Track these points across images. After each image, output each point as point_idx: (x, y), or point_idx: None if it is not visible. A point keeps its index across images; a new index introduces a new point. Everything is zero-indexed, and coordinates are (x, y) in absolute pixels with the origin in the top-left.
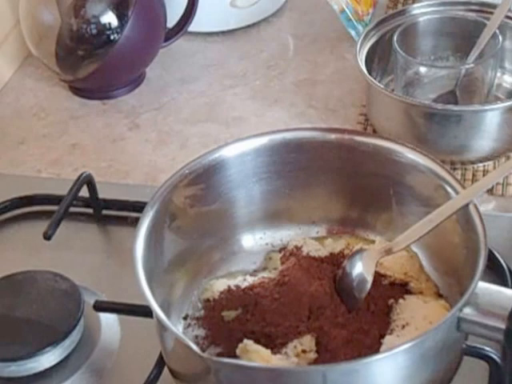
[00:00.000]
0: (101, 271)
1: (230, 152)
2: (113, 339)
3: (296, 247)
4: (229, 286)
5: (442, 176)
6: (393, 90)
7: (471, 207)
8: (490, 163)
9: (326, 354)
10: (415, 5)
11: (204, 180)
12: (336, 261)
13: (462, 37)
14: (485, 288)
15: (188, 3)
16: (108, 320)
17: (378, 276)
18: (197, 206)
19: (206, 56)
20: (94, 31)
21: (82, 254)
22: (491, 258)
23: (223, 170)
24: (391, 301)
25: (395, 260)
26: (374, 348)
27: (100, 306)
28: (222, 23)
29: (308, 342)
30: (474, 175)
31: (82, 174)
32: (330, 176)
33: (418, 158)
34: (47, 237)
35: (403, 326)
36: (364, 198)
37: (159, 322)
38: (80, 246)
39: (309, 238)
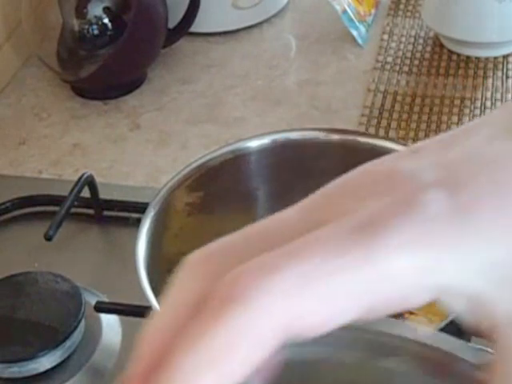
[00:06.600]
0: (102, 272)
1: (232, 153)
2: (114, 340)
3: None
4: None
5: None
6: None
7: None
8: None
9: None
10: None
11: (206, 181)
12: None
13: None
14: None
15: (190, 4)
16: (109, 321)
17: None
18: (198, 207)
19: (207, 56)
20: (96, 32)
21: (83, 254)
22: None
23: (225, 170)
24: None
25: None
26: None
27: (101, 307)
28: (223, 24)
29: None
30: None
31: (83, 175)
32: (333, 176)
33: None
34: (48, 237)
35: None
36: None
37: None
38: (81, 246)
39: None
